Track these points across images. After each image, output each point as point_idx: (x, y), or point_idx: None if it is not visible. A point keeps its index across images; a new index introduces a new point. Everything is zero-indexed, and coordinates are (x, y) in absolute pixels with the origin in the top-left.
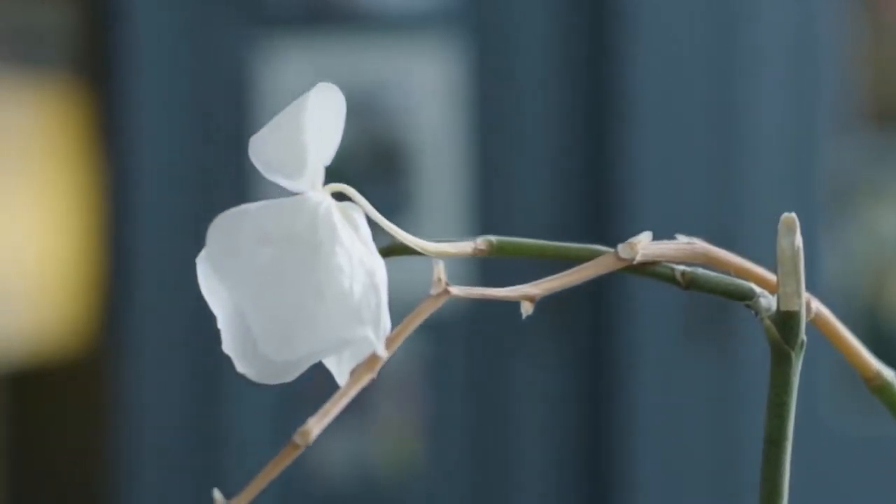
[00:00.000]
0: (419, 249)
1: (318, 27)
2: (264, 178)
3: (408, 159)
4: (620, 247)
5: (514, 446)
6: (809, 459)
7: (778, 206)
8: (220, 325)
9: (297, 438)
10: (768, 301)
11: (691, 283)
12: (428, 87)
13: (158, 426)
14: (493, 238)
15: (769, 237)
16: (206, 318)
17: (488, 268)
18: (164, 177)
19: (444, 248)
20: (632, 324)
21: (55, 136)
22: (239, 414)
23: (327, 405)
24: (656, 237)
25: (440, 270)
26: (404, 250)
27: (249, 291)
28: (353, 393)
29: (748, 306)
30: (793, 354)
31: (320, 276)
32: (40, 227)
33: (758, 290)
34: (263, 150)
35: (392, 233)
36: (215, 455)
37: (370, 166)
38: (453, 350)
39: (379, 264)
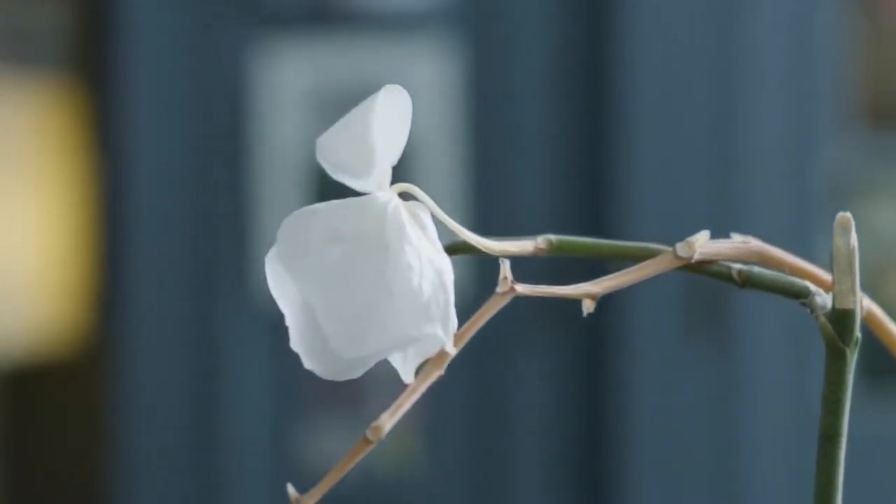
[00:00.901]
0: (482, 248)
1: (316, 27)
2: (261, 179)
3: (405, 159)
4: (678, 245)
5: (512, 446)
6: (803, 457)
7: (776, 205)
8: (288, 322)
9: (368, 434)
10: (823, 299)
11: (747, 282)
12: (425, 87)
13: (156, 425)
14: (553, 237)
15: (767, 235)
16: (203, 317)
17: (486, 268)
18: (162, 176)
19: (507, 247)
20: (630, 322)
21: (52, 135)
22: (237, 413)
23: (398, 401)
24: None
25: (506, 269)
26: (467, 249)
27: (320, 289)
28: (422, 389)
29: (803, 304)
30: (848, 352)
31: (389, 275)
32: (37, 226)
33: (812, 288)
34: (331, 150)
35: (456, 232)
36: (214, 454)
37: None
38: None
39: (446, 263)
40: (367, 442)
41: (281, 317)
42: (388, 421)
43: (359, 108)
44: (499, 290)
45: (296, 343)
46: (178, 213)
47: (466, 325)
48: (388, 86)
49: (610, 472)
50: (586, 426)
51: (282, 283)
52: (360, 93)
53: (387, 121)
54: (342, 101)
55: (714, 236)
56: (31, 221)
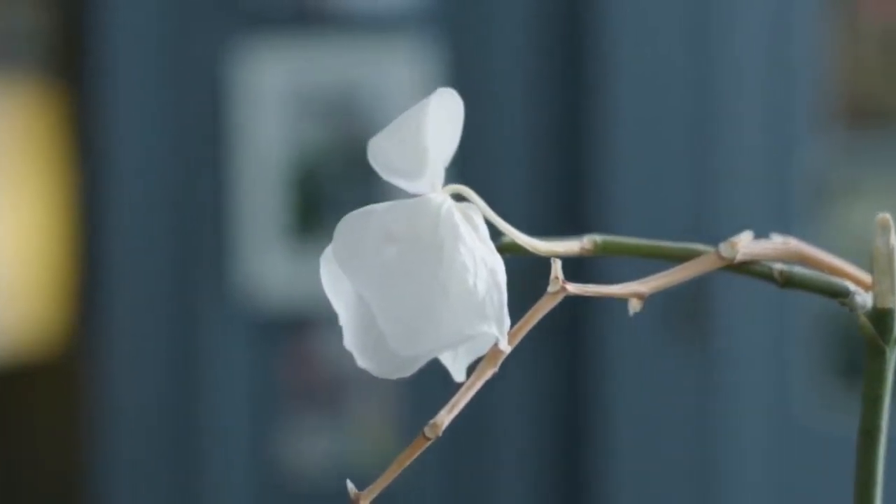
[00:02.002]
0: (530, 248)
1: (295, 28)
2: (241, 179)
3: None
4: (722, 246)
5: (492, 445)
6: (782, 458)
7: (754, 205)
8: (342, 322)
9: (426, 431)
10: (863, 298)
11: (788, 282)
12: (404, 88)
13: (136, 424)
14: (598, 237)
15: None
16: (183, 318)
17: None
18: (141, 177)
19: (554, 248)
20: (610, 324)
21: (32, 137)
22: (217, 413)
23: (455, 398)
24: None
25: (557, 269)
26: (515, 248)
27: (376, 289)
28: (478, 386)
29: (843, 303)
30: (887, 349)
31: (444, 274)
32: (16, 227)
33: (852, 287)
34: (383, 153)
35: (506, 232)
36: (193, 454)
37: (346, 167)
38: None
39: (499, 263)
40: (425, 439)
41: (260, 318)
42: (445, 418)
43: (411, 111)
44: (550, 289)
45: (349, 342)
46: (158, 214)
47: (519, 323)
48: (441, 89)
49: (589, 474)
50: (566, 427)
51: (336, 282)
52: (339, 93)
53: (439, 123)
54: (321, 101)
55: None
56: (10, 223)
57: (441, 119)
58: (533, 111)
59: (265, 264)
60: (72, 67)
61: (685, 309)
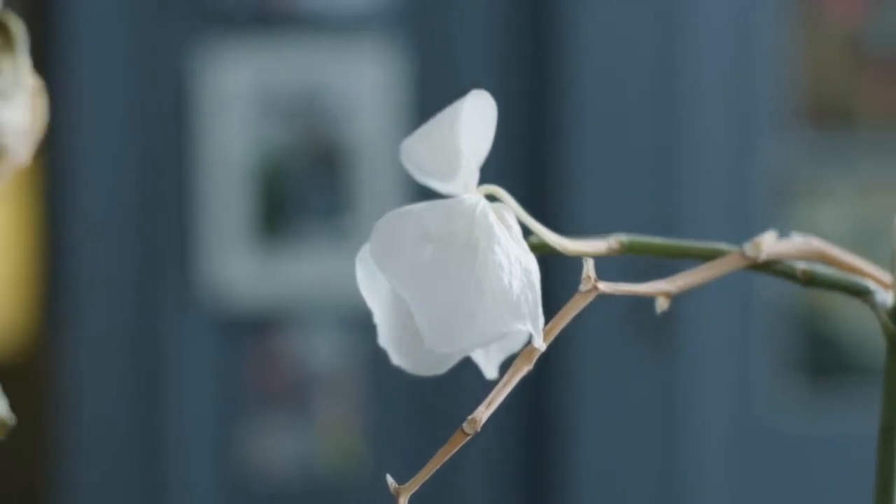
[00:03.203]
0: (559, 248)
1: (259, 28)
2: (204, 178)
3: (348, 160)
4: (746, 246)
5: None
6: (744, 457)
7: (718, 205)
8: (377, 320)
9: (465, 427)
10: (883, 297)
11: (811, 281)
12: (368, 89)
13: (101, 425)
14: (624, 237)
15: (709, 234)
16: (147, 318)
17: None
18: (105, 176)
19: (582, 247)
20: (575, 326)
21: None
22: (182, 413)
23: (492, 395)
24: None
25: (590, 268)
26: (544, 248)
27: (413, 288)
28: (514, 383)
29: (864, 302)
30: None
31: (479, 273)
32: None
33: (872, 286)
34: (417, 154)
35: (537, 232)
36: (158, 453)
37: (311, 167)
38: None
39: (533, 262)
40: (464, 434)
41: (225, 318)
42: (483, 414)
43: (445, 113)
44: (582, 288)
45: (384, 339)
46: (123, 215)
47: (552, 322)
48: (474, 91)
49: (553, 472)
50: (531, 428)
51: (372, 281)
52: (303, 94)
53: (472, 124)
54: (286, 102)
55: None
56: None
57: (474, 120)
58: (498, 111)
59: (230, 265)
60: (35, 65)
61: (651, 313)
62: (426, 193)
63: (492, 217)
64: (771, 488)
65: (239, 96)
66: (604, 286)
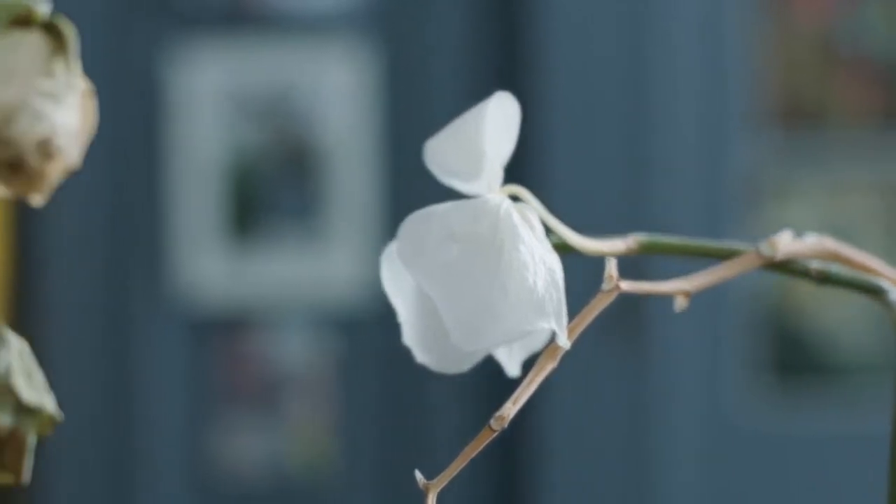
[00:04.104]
0: (578, 248)
1: (230, 29)
2: (176, 179)
3: (319, 160)
4: (762, 245)
5: (427, 445)
6: (714, 456)
7: (689, 204)
8: (402, 318)
9: (493, 423)
10: None
11: (825, 280)
12: (339, 89)
13: (71, 424)
14: (642, 236)
15: (681, 234)
16: (117, 317)
17: None
18: (76, 177)
19: (601, 247)
20: None
21: None
22: (152, 412)
23: (518, 391)
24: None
25: (612, 267)
26: (564, 247)
27: (440, 287)
28: (539, 380)
29: (878, 301)
30: None
31: (504, 273)
32: None
33: (886, 285)
34: (440, 155)
35: (558, 232)
36: (127, 452)
37: (282, 167)
38: (366, 349)
39: (556, 261)
40: (491, 430)
41: (196, 318)
42: (511, 410)
43: (469, 115)
44: (604, 287)
45: (409, 337)
46: (94, 215)
47: (574, 320)
48: (499, 93)
49: (524, 472)
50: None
51: (397, 280)
52: (274, 94)
53: (496, 125)
54: (257, 102)
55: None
56: None
57: (498, 121)
58: (467, 109)
59: (201, 265)
60: None
61: (619, 310)
62: (398, 194)
63: (516, 217)
64: (742, 488)
65: (210, 97)
66: (626, 285)
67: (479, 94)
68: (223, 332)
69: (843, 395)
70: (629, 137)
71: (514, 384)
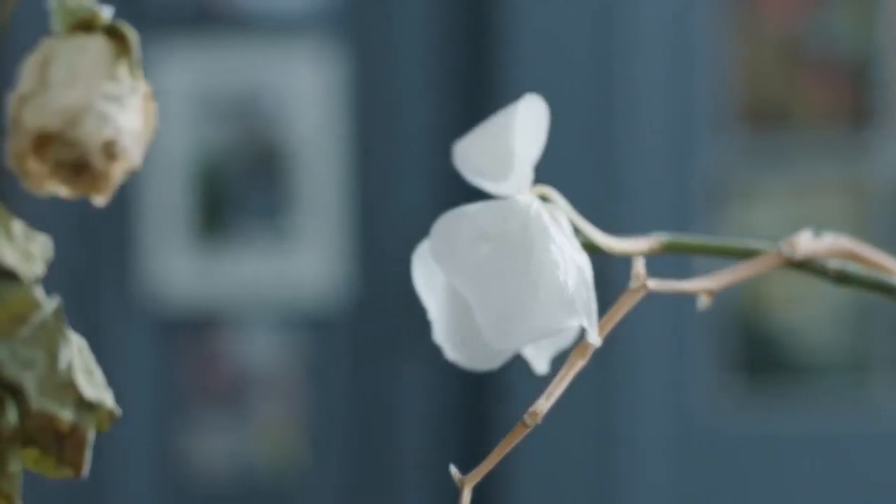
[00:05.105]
0: (605, 248)
1: (199, 30)
2: (144, 178)
3: (287, 161)
4: (782, 245)
5: (396, 444)
6: (683, 457)
7: (656, 205)
8: (433, 316)
9: (526, 419)
10: None
11: (843, 279)
12: (307, 90)
13: None
14: (664, 236)
15: (647, 234)
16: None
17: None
18: None
19: (626, 247)
20: None
21: None
22: (120, 409)
23: (550, 387)
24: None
25: (640, 266)
26: (591, 247)
27: (472, 285)
28: (570, 377)
29: (894, 299)
30: None
31: (535, 272)
32: None
33: None
34: (470, 155)
35: (585, 232)
36: (94, 451)
37: (250, 168)
38: (334, 349)
39: (585, 261)
40: (525, 426)
41: (164, 317)
42: (544, 406)
43: (499, 117)
44: (632, 286)
45: (440, 335)
46: (62, 214)
47: (603, 319)
48: (528, 95)
49: (490, 474)
50: (467, 423)
51: (429, 278)
52: (243, 94)
53: (525, 127)
54: (225, 102)
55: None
56: None
57: (528, 123)
58: (436, 111)
59: (169, 265)
60: None
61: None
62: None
63: (546, 217)
64: (711, 488)
65: (179, 97)
66: (653, 284)
67: (446, 95)
68: (191, 331)
69: (810, 395)
70: (596, 138)
71: (493, 382)
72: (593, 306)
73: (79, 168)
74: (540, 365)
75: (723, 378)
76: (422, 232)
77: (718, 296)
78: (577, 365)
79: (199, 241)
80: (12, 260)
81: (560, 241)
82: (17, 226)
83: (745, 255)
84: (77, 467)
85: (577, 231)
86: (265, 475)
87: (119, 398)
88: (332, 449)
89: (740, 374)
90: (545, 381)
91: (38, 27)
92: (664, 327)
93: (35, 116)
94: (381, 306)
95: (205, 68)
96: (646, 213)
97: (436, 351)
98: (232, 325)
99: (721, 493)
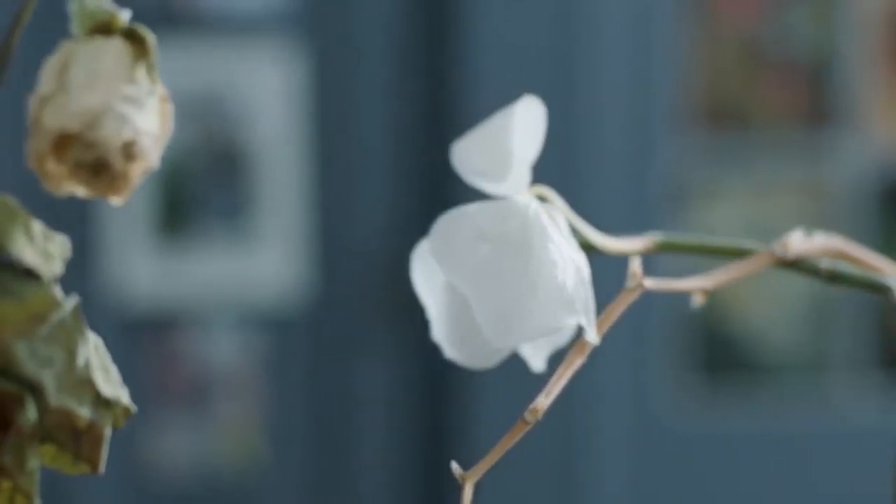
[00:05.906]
0: (600, 246)
1: (159, 30)
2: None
3: (248, 160)
4: (775, 245)
5: (356, 443)
6: (643, 456)
7: (615, 205)
8: (432, 315)
9: (527, 416)
10: None
11: (834, 278)
12: (268, 90)
13: None
14: (658, 236)
15: (608, 234)
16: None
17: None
18: (4, 175)
19: (621, 246)
20: None
21: None
22: None
23: (550, 384)
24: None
25: (636, 265)
26: (587, 246)
27: (472, 285)
28: (569, 374)
29: (886, 298)
30: None
31: (534, 271)
32: None
33: (892, 283)
34: (468, 156)
35: (581, 231)
36: None
37: (211, 167)
38: (295, 348)
39: (583, 260)
40: (525, 423)
41: (125, 317)
42: (544, 402)
43: (497, 118)
44: (628, 284)
45: (438, 334)
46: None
47: (601, 317)
48: (526, 97)
49: (451, 475)
50: (429, 420)
51: (429, 277)
52: (204, 94)
53: (524, 128)
54: (187, 102)
55: None
56: None
57: (526, 124)
58: (396, 111)
59: (130, 264)
60: None
61: None
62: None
63: (544, 217)
64: (670, 487)
65: None
66: (649, 282)
67: (407, 96)
68: (152, 331)
69: (769, 395)
70: (556, 138)
71: (453, 383)
72: (592, 305)
73: (98, 169)
74: (537, 363)
75: (683, 378)
76: (380, 231)
77: (678, 297)
78: (575, 363)
79: (160, 241)
80: (32, 259)
81: (558, 241)
82: (37, 226)
83: (739, 254)
84: (94, 463)
85: (574, 231)
86: (227, 474)
87: None
88: (294, 448)
89: (700, 375)
90: (507, 378)
91: (56, 31)
92: (624, 327)
93: (55, 118)
94: (341, 306)
95: (166, 68)
96: (605, 213)
97: (397, 346)
98: (193, 324)
99: (682, 492)
